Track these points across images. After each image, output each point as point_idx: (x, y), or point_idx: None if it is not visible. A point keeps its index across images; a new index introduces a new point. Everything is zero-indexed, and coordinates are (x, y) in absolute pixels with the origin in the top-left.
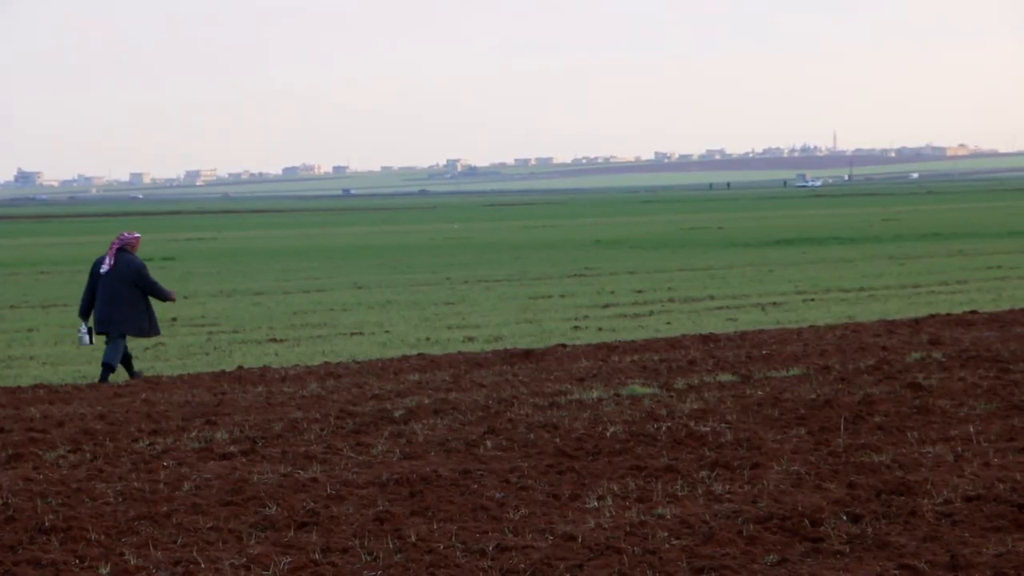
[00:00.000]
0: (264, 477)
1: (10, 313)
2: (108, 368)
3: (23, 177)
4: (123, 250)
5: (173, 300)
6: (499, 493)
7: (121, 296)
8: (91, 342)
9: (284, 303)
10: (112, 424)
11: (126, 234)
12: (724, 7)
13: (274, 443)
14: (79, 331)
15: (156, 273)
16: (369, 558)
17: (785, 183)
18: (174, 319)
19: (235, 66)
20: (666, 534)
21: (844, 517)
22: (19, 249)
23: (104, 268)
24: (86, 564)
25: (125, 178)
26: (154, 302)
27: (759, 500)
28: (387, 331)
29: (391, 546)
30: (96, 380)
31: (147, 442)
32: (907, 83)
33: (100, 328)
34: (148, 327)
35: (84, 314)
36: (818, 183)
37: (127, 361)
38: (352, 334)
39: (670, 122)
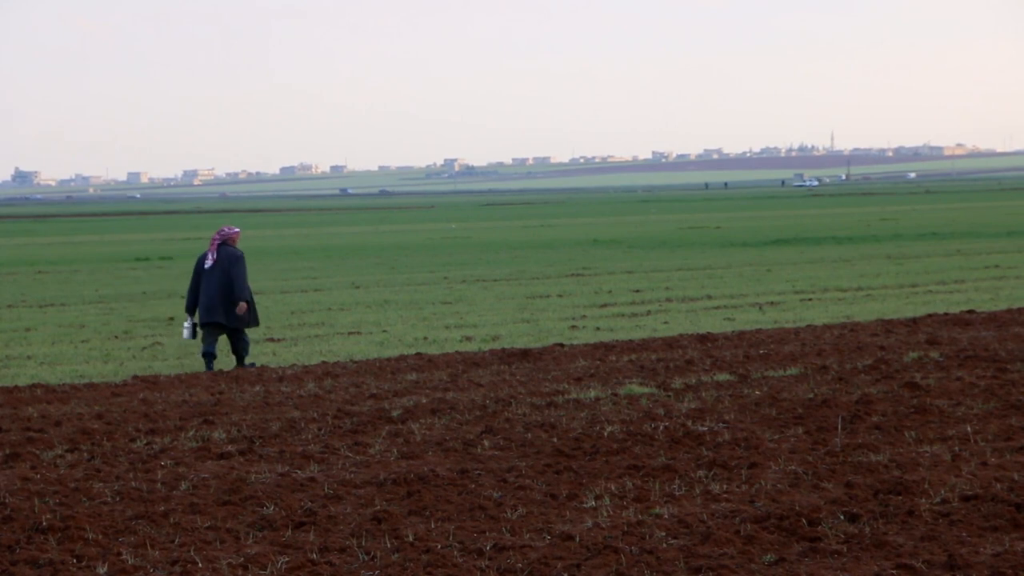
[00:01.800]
0: (262, 477)
1: (8, 313)
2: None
3: (21, 176)
4: (224, 244)
5: (244, 302)
6: (497, 493)
7: (225, 288)
8: (194, 336)
9: (282, 303)
10: (110, 424)
11: (226, 228)
12: (722, 6)
13: (271, 443)
14: (184, 325)
15: (153, 272)
16: (367, 558)
17: (783, 183)
18: (171, 319)
19: (233, 66)
20: (664, 534)
21: (842, 517)
22: (17, 248)
23: (208, 263)
24: (84, 564)
25: (123, 177)
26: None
27: (757, 500)
28: (385, 331)
29: (388, 545)
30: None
31: (144, 442)
32: (904, 82)
33: (206, 319)
34: (249, 318)
35: (190, 309)
36: (815, 183)
37: (240, 352)
38: (350, 334)
39: (668, 122)
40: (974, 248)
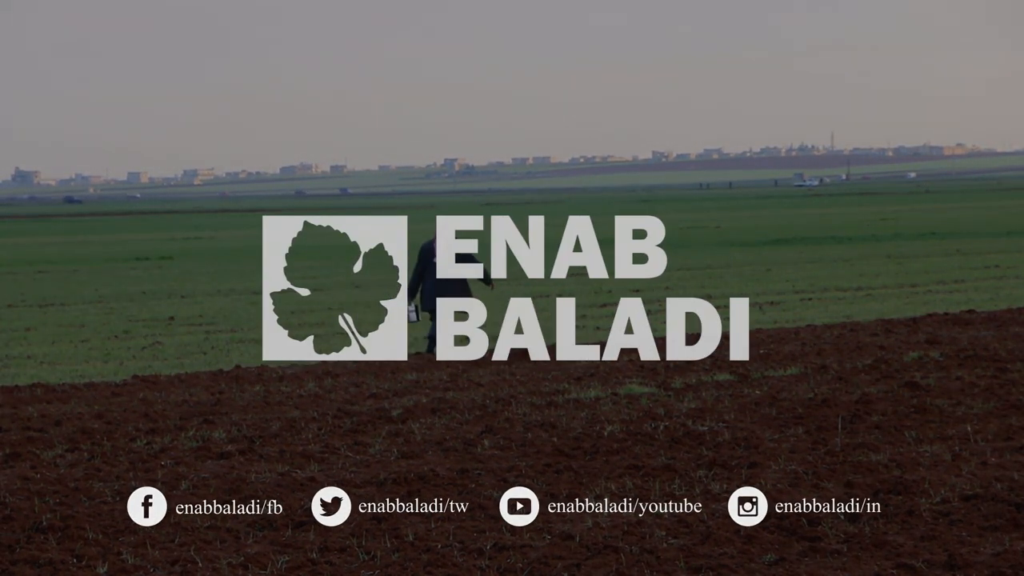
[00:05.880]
0: (262, 476)
1: (8, 312)
2: (434, 342)
3: (21, 176)
4: None
5: (492, 287)
6: (497, 493)
7: (452, 277)
8: (418, 318)
9: (282, 302)
10: (110, 423)
11: None
12: (722, 6)
13: (272, 442)
14: (407, 309)
15: (153, 272)
16: (366, 557)
17: (776, 182)
18: (171, 318)
19: (233, 65)
20: (664, 533)
21: (842, 517)
22: (16, 248)
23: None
24: (84, 563)
25: (123, 177)
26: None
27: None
28: None
29: (388, 545)
30: (424, 351)
31: (145, 441)
32: (904, 82)
33: (432, 305)
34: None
35: (411, 294)
36: (814, 183)
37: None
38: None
39: (668, 121)
40: (974, 248)
